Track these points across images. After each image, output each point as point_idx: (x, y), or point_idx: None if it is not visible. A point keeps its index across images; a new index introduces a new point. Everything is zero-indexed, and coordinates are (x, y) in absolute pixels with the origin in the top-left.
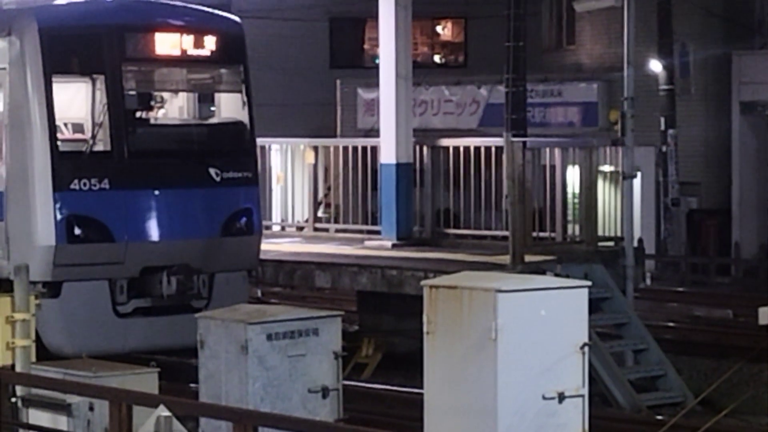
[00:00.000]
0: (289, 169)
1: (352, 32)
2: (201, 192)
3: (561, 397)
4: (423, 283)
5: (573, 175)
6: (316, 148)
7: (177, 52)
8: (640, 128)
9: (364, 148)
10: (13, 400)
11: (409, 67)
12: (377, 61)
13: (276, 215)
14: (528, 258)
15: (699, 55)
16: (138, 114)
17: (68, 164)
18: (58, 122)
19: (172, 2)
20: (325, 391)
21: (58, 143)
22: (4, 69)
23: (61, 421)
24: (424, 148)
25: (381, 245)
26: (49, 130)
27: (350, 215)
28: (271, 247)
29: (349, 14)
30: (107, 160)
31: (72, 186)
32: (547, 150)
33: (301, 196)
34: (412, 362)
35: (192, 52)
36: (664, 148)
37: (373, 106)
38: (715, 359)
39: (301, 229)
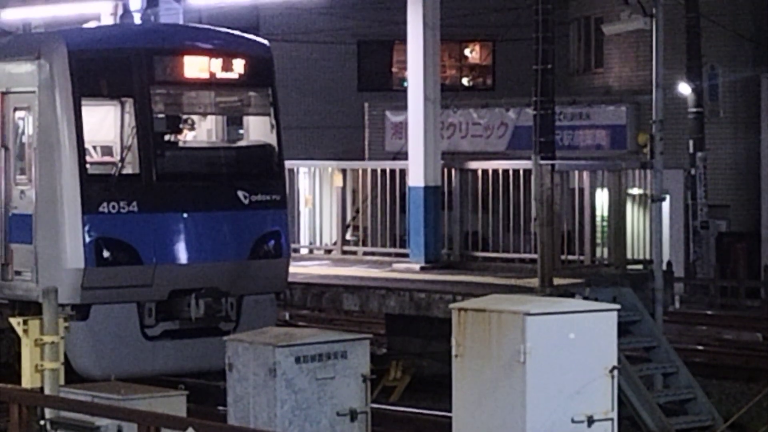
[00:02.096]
0: (317, 191)
1: (380, 55)
2: (229, 215)
3: (590, 421)
4: (451, 306)
5: (601, 198)
6: (344, 171)
7: (205, 76)
8: (668, 151)
9: (392, 171)
10: (42, 422)
11: (437, 89)
12: (405, 84)
13: (304, 238)
14: (557, 281)
15: (728, 78)
16: (166, 137)
17: (97, 187)
18: (87, 145)
19: (200, 25)
20: (353, 414)
21: (87, 166)
22: (33, 92)
23: None
24: (453, 171)
25: (409, 268)
26: (77, 153)
27: (378, 238)
28: (299, 269)
29: (377, 37)
30: (136, 183)
31: (101, 209)
32: (576, 173)
33: (329, 219)
34: (440, 385)
35: (220, 75)
36: (693, 171)
37: (401, 128)
38: (744, 382)
39: (329, 251)
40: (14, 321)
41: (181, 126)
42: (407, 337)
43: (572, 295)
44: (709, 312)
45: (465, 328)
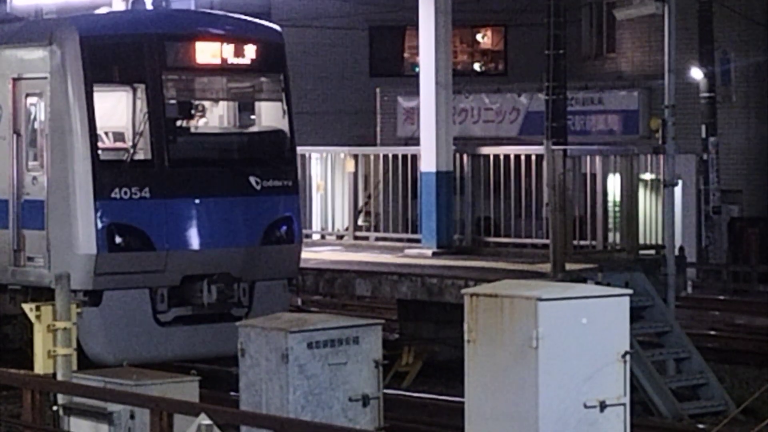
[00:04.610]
0: (329, 177)
1: (392, 40)
2: (241, 200)
3: (602, 406)
4: (463, 291)
5: (614, 183)
6: (356, 157)
7: (217, 61)
8: (681, 136)
9: (404, 157)
10: (55, 408)
11: (449, 75)
12: (417, 70)
13: (316, 223)
14: (569, 266)
15: (740, 63)
16: (178, 123)
17: (109, 173)
18: (99, 131)
19: (212, 11)
20: (365, 400)
21: (99, 152)
22: (45, 78)
23: (102, 429)
24: (464, 156)
25: (421, 253)
26: (90, 138)
27: (390, 223)
28: (311, 255)
29: (388, 22)
30: (148, 168)
31: (113, 195)
32: (588, 158)
33: (341, 205)
34: (452, 370)
35: (232, 60)
36: (705, 156)
37: (413, 114)
38: (757, 368)
39: (341, 237)
40: (27, 307)
41: (193, 112)
42: (419, 323)
43: (584, 281)
44: (721, 297)
45: (477, 313)
